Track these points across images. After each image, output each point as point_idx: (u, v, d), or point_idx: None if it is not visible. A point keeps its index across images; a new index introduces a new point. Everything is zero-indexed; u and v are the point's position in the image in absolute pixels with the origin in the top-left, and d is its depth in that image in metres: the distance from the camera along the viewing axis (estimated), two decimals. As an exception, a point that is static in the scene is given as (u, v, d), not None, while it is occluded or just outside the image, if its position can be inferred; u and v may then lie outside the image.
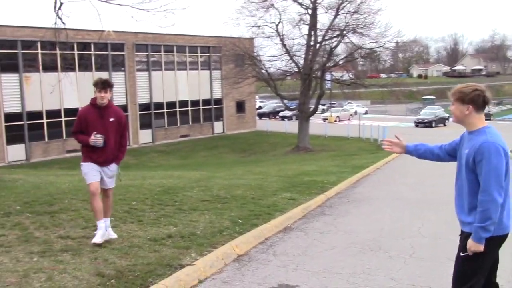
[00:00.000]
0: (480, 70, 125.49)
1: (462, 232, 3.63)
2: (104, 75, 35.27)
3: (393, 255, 6.29)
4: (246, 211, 8.21)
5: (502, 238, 3.44)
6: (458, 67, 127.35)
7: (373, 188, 12.03)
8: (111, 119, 6.05)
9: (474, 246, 3.37)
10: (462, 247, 3.50)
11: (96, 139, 5.89)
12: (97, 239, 5.87)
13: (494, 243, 3.41)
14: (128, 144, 6.02)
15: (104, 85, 5.97)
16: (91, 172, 5.98)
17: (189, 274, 5.14)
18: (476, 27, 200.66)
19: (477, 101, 3.42)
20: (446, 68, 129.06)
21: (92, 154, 6.01)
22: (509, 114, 61.42)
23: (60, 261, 5.19)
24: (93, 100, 6.09)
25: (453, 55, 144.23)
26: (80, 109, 6.17)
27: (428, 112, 49.79)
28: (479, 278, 3.45)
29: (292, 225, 7.96)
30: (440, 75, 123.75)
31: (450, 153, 3.85)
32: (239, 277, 5.43)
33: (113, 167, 6.17)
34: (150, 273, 5.02)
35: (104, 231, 5.99)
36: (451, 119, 41.76)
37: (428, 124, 45.90)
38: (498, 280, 3.71)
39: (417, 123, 46.61)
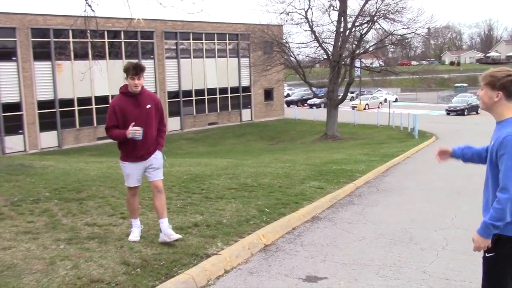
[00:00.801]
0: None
1: None
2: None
3: (425, 247, 6.10)
4: (273, 200, 8.10)
5: None
6: (492, 54, 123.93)
7: (403, 178, 11.77)
8: (148, 106, 5.43)
9: (483, 242, 3.14)
10: (487, 249, 3.21)
11: (135, 130, 5.23)
12: (135, 237, 5.57)
13: None
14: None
15: (137, 70, 5.27)
16: (133, 175, 5.49)
17: (214, 264, 5.06)
18: (511, 12, 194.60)
19: (509, 88, 3.11)
20: (479, 55, 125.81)
21: (133, 149, 5.40)
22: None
23: (87, 248, 5.19)
24: (124, 88, 5.45)
25: (487, 41, 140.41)
26: (111, 101, 5.53)
27: (460, 99, 48.58)
28: (509, 282, 3.18)
29: (320, 214, 7.81)
30: (473, 62, 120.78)
31: None
32: (266, 267, 5.33)
33: (158, 154, 5.59)
34: (175, 262, 4.97)
35: (139, 229, 5.68)
36: (483, 107, 40.51)
37: (460, 112, 44.81)
38: None
39: (449, 111, 45.55)
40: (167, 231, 5.47)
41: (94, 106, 33.78)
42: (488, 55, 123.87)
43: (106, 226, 6.09)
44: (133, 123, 5.27)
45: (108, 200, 7.52)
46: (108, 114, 5.42)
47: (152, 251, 5.24)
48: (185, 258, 5.10)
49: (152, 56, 37.09)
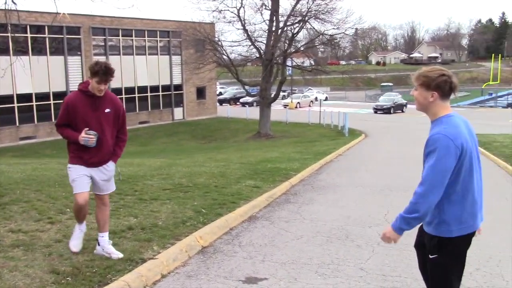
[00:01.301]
0: (436, 57, 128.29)
1: (423, 232, 3.33)
2: (59, 59, 34.21)
3: (361, 244, 6.19)
4: (209, 200, 7.96)
5: (467, 237, 3.16)
6: (415, 55, 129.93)
7: (336, 175, 11.97)
8: (107, 110, 4.87)
9: (392, 234, 3.15)
10: (430, 248, 3.20)
11: (88, 137, 4.73)
12: (74, 246, 5.06)
13: (461, 242, 3.14)
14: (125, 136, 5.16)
15: (107, 77, 4.68)
16: (81, 179, 4.85)
17: (151, 268, 4.85)
18: (432, 15, 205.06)
19: (444, 88, 3.08)
20: (403, 55, 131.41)
21: (83, 153, 4.85)
22: (463, 101, 63.09)
23: (11, 257, 4.81)
24: (84, 86, 4.83)
25: (410, 42, 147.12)
26: (67, 95, 4.94)
27: (387, 98, 50.43)
28: (454, 283, 3.20)
29: (257, 214, 7.76)
30: (397, 62, 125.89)
31: None
32: (204, 270, 5.19)
33: (110, 166, 5.04)
34: (109, 269, 4.71)
35: (81, 234, 5.15)
36: (409, 106, 42.15)
37: (386, 111, 46.54)
38: None
39: (376, 110, 47.18)
40: (108, 248, 5.06)
41: (16, 105, 32.04)
42: (411, 55, 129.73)
43: (32, 232, 5.70)
44: (86, 128, 4.74)
45: (34, 204, 7.07)
46: (60, 110, 4.87)
47: (84, 258, 4.95)
48: (120, 264, 4.85)
49: (79, 53, 35.72)
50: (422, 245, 3.36)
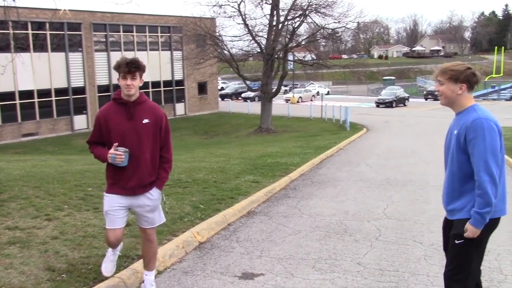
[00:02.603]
0: (438, 51, 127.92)
1: (448, 221, 3.47)
2: (60, 55, 34.18)
3: (359, 239, 6.17)
4: (208, 196, 7.94)
5: (495, 221, 3.28)
6: (417, 48, 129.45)
7: (336, 169, 11.94)
8: (146, 120, 4.09)
9: (473, 231, 3.20)
10: (456, 235, 3.30)
11: (116, 154, 3.98)
12: (105, 270, 4.45)
13: (490, 227, 3.26)
14: (169, 153, 4.26)
15: (130, 67, 3.99)
16: (114, 213, 4.14)
17: (147, 265, 4.84)
18: (434, 8, 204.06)
19: (472, 80, 3.28)
20: (406, 49, 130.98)
21: (118, 176, 4.10)
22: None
23: (6, 255, 4.81)
24: (117, 93, 4.17)
25: (413, 36, 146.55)
26: (99, 109, 4.26)
27: (389, 92, 50.32)
28: (477, 264, 3.32)
29: (256, 209, 7.74)
30: (400, 56, 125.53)
31: None
32: (201, 266, 5.18)
33: (154, 194, 4.22)
34: (105, 266, 4.70)
35: (114, 257, 4.51)
36: (411, 99, 41.96)
37: (388, 104, 46.43)
38: None
39: (378, 103, 47.08)
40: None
41: (18, 101, 32.04)
42: (413, 49, 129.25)
43: (29, 230, 5.69)
44: (116, 143, 4.01)
45: (32, 201, 7.06)
46: (94, 126, 4.24)
47: (80, 255, 4.94)
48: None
49: (80, 49, 35.68)
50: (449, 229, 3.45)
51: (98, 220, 6.17)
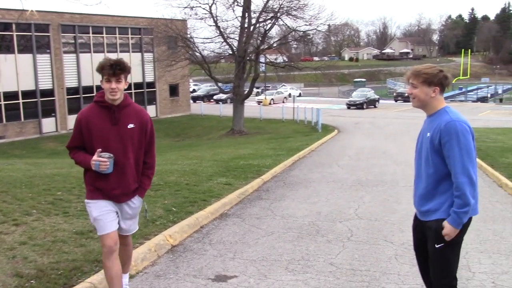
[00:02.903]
0: (407, 53, 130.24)
1: (419, 221, 3.49)
2: (27, 57, 33.47)
3: (331, 239, 6.22)
4: (180, 198, 7.88)
5: (469, 221, 3.33)
6: (387, 50, 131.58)
7: (309, 171, 12.02)
8: (131, 125, 3.88)
9: (452, 231, 3.23)
10: (435, 238, 3.31)
11: (100, 160, 3.74)
12: None
13: (464, 226, 3.30)
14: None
15: (115, 69, 3.75)
16: (104, 216, 3.86)
17: (118, 269, 4.77)
18: (403, 11, 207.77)
19: (444, 83, 3.32)
20: (376, 51, 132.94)
21: (102, 183, 3.87)
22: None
23: (-28, 261, 4.69)
24: (100, 95, 3.90)
25: (382, 38, 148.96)
26: (80, 111, 3.99)
27: (360, 94, 50.88)
28: (457, 263, 3.37)
29: (229, 211, 7.73)
30: (370, 58, 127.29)
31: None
32: (173, 269, 5.14)
33: (136, 202, 4.05)
34: (75, 271, 4.63)
35: None
36: (381, 101, 42.44)
37: (359, 106, 46.94)
38: None
39: (349, 105, 47.55)
40: None
41: (-16, 104, 31.30)
42: (383, 51, 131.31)
43: (-5, 235, 5.56)
44: (99, 149, 3.76)
45: (-1, 206, 6.90)
46: (73, 130, 3.95)
47: (49, 260, 4.85)
48: (86, 265, 4.77)
49: (48, 50, 35.02)
50: (424, 242, 3.48)
51: (68, 225, 6.06)
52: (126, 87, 3.84)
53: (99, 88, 32.79)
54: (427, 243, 3.44)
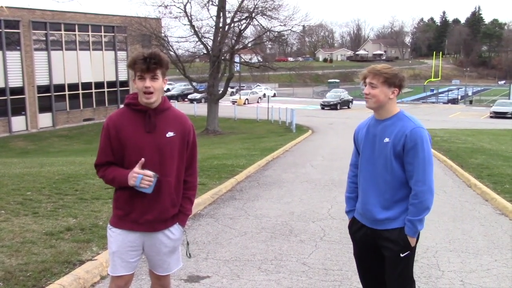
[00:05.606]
0: (380, 55, 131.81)
1: (370, 230, 3.28)
2: (-4, 54, 32.72)
3: (304, 239, 6.25)
4: (153, 199, 7.80)
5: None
6: (361, 52, 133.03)
7: (282, 171, 12.06)
8: (170, 134, 3.10)
9: (413, 241, 3.16)
10: (401, 247, 3.15)
11: (145, 174, 2.96)
12: None
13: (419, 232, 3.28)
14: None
15: (149, 64, 2.97)
16: (123, 255, 3.12)
17: (89, 270, 4.71)
18: (377, 13, 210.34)
19: (403, 85, 3.18)
20: (349, 53, 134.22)
21: (131, 207, 3.09)
22: (407, 97, 65.06)
23: None
24: (132, 98, 3.19)
25: (356, 40, 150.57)
26: (108, 116, 3.25)
27: (333, 95, 51.33)
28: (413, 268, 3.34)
29: (202, 211, 7.70)
30: (344, 59, 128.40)
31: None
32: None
33: (176, 231, 3.21)
34: (44, 272, 4.54)
35: None
36: (355, 102, 42.91)
37: (333, 107, 47.36)
38: None
39: (323, 106, 47.94)
40: None
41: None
42: (357, 53, 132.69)
43: (-38, 236, 5.42)
44: (142, 159, 3.00)
45: (-34, 206, 6.73)
46: (99, 142, 3.16)
47: (18, 262, 4.74)
48: (56, 267, 4.68)
49: (18, 47, 34.31)
50: (373, 249, 3.32)
51: (37, 225, 5.95)
52: (164, 86, 3.15)
53: (71, 86, 32.22)
54: (375, 252, 3.29)
